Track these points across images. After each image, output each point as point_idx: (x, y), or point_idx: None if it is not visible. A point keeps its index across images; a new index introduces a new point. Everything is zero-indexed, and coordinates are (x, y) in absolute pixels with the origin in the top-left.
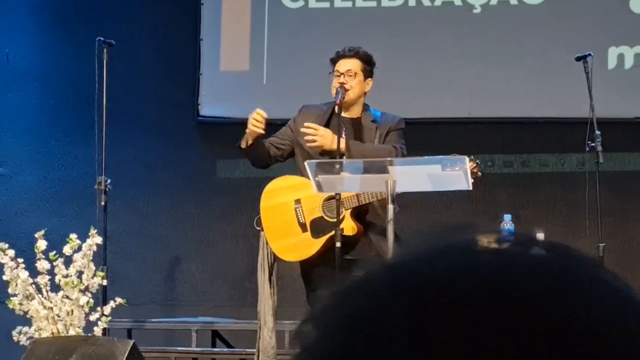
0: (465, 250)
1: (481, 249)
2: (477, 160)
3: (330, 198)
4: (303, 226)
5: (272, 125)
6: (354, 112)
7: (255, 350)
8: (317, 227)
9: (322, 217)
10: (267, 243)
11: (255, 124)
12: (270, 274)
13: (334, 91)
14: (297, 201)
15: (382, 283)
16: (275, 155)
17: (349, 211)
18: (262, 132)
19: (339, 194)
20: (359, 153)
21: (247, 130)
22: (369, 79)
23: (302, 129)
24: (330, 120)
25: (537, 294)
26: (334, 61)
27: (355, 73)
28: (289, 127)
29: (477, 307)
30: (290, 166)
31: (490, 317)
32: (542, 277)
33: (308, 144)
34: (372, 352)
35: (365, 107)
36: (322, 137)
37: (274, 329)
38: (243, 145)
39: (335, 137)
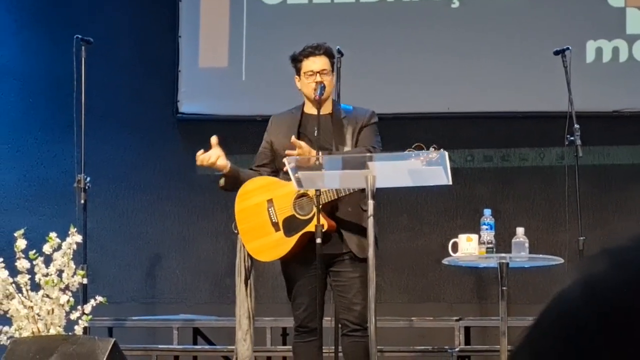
0: None
1: None
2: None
3: (301, 196)
4: (276, 225)
5: (252, 122)
6: (326, 109)
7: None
8: (289, 225)
9: (293, 215)
10: (243, 246)
11: (211, 154)
12: (247, 278)
13: (309, 89)
14: (270, 201)
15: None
16: (270, 174)
17: (320, 207)
18: (225, 162)
19: (319, 191)
20: None
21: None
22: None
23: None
24: (301, 120)
25: None
26: (300, 59)
27: (329, 71)
28: (265, 141)
29: None
30: None
31: None
32: None
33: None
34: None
35: (335, 103)
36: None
37: (249, 332)
38: (222, 184)
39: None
